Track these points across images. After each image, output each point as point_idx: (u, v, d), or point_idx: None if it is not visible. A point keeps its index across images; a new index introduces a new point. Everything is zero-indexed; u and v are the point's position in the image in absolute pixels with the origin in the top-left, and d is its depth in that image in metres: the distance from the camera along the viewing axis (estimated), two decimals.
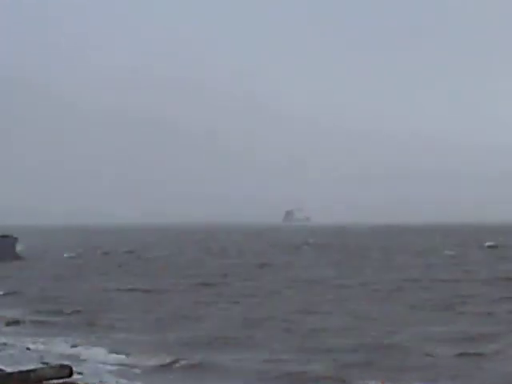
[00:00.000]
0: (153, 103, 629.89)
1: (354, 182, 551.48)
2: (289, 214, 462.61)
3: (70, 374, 17.00)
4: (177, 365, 23.36)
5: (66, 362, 19.12)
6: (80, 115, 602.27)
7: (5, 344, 26.95)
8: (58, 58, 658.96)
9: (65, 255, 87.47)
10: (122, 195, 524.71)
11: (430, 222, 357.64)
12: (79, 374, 19.54)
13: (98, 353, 25.26)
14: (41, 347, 26.33)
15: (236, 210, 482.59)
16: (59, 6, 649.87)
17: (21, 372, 17.46)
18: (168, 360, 23.66)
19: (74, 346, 26.73)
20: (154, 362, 23.57)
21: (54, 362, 21.38)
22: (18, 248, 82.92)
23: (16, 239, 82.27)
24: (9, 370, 18.43)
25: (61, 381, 16.46)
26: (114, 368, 22.99)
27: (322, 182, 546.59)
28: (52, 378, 16.85)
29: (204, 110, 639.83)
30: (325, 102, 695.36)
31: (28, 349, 26.09)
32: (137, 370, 22.85)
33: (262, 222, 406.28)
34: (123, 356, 24.49)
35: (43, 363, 21.89)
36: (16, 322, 32.81)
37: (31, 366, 19.39)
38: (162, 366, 23.29)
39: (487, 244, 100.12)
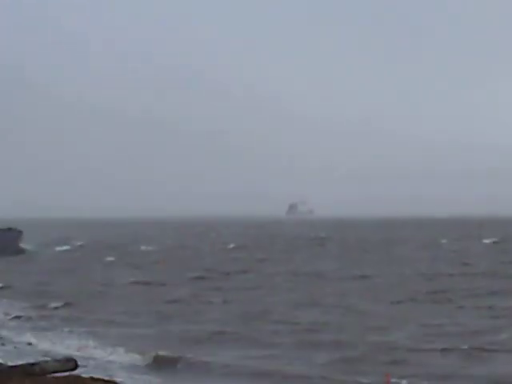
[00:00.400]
0: (153, 103, 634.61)
1: (356, 177, 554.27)
2: (292, 207, 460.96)
3: (75, 367, 17.02)
4: (176, 360, 23.25)
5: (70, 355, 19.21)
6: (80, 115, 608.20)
7: (4, 338, 27.00)
8: (58, 57, 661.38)
9: (64, 248, 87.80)
10: (124, 192, 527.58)
11: (431, 216, 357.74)
12: (84, 367, 19.66)
13: (100, 347, 25.42)
14: (41, 342, 26.45)
15: (239, 206, 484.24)
16: (59, 6, 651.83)
17: (25, 365, 17.13)
18: (168, 356, 23.61)
19: (74, 339, 26.94)
20: (154, 357, 23.55)
21: (56, 355, 21.50)
22: (27, 246, 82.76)
23: (21, 232, 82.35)
24: (11, 364, 18.35)
25: (66, 374, 16.42)
26: (117, 362, 23.19)
27: (326, 177, 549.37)
28: (57, 371, 16.63)
29: (205, 109, 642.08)
30: (325, 101, 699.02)
31: (29, 344, 26.18)
32: (139, 365, 23.00)
33: (265, 216, 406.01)
34: (124, 350, 24.60)
35: (47, 356, 21.91)
36: (16, 317, 32.87)
37: (34, 360, 19.49)
38: (163, 361, 23.27)
39: (487, 241, 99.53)
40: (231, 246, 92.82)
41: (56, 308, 35.99)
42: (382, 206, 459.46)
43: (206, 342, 26.53)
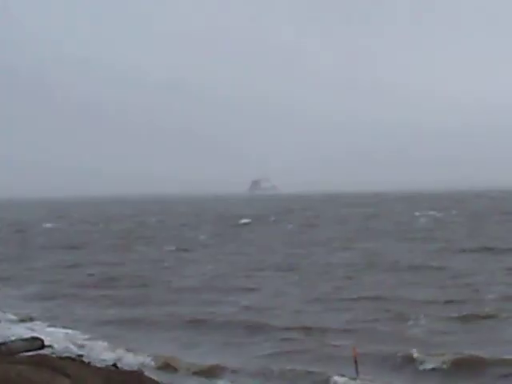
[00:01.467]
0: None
1: (318, 153, 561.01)
2: (255, 183, 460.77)
3: (42, 347, 17.36)
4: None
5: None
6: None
7: None
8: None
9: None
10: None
11: (379, 191, 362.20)
12: (49, 346, 19.97)
13: (56, 329, 25.58)
14: None
15: (204, 182, 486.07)
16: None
17: None
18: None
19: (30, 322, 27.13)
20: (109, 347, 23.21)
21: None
22: None
23: None
24: None
25: (33, 353, 16.73)
26: (78, 343, 23.34)
27: (289, 154, 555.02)
28: (24, 351, 17.04)
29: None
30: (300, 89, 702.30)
31: None
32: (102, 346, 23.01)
33: (228, 192, 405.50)
34: (81, 332, 24.85)
35: (13, 336, 21.90)
36: None
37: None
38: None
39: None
40: (180, 223, 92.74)
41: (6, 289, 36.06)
42: (344, 180, 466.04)
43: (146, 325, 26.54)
